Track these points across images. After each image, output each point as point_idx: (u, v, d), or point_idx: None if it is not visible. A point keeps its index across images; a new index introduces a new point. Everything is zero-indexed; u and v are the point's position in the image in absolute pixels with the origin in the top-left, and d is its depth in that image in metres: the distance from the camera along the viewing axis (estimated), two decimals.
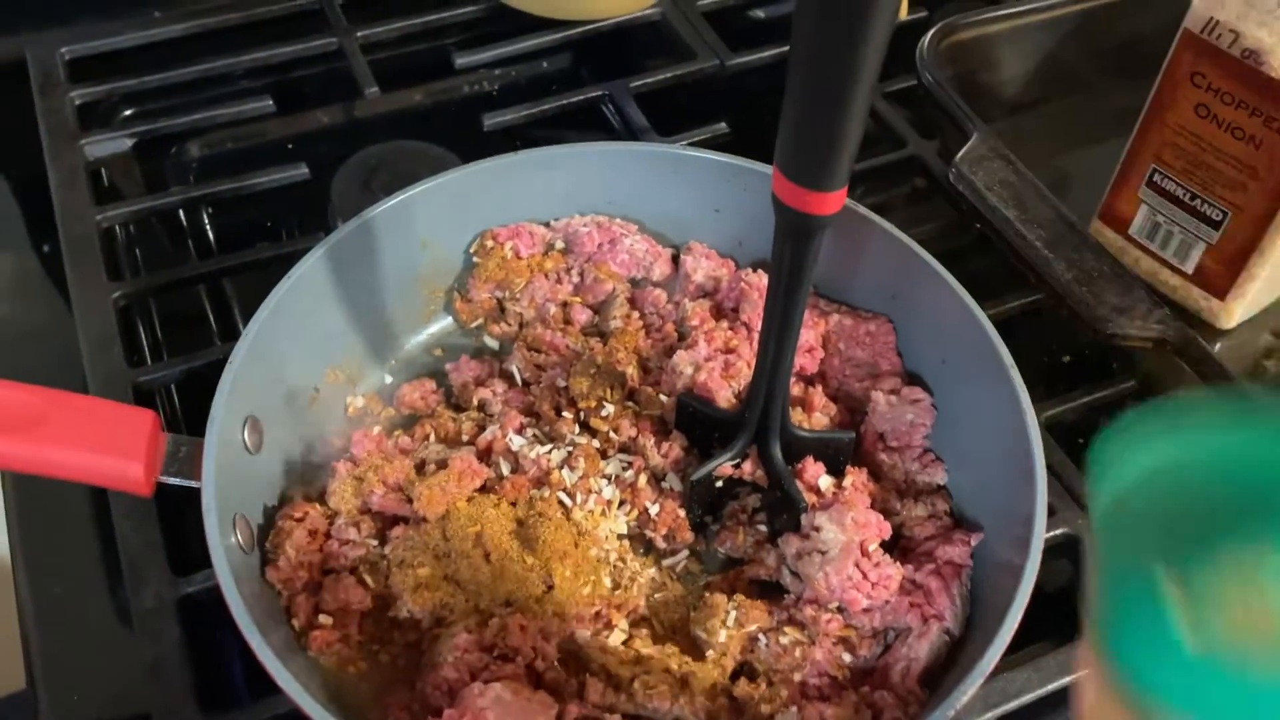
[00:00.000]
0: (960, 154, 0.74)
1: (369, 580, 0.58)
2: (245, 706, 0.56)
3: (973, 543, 0.60)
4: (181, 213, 0.87)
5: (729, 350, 0.66)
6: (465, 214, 0.72)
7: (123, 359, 0.70)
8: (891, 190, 0.92)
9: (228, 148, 0.92)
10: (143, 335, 0.79)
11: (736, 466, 0.62)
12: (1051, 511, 0.65)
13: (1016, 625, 0.53)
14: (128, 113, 0.92)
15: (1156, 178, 0.74)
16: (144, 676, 0.57)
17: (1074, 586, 0.66)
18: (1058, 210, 0.71)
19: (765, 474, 0.61)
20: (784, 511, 0.61)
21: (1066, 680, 0.59)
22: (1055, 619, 0.63)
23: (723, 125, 0.88)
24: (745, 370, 0.65)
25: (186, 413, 0.74)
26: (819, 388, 0.67)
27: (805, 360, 0.68)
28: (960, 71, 0.86)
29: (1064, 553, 0.65)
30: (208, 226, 0.88)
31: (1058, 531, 0.65)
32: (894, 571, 0.57)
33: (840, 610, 0.58)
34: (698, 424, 0.63)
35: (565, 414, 0.64)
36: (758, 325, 0.67)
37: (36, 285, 0.82)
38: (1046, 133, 0.89)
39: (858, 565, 0.57)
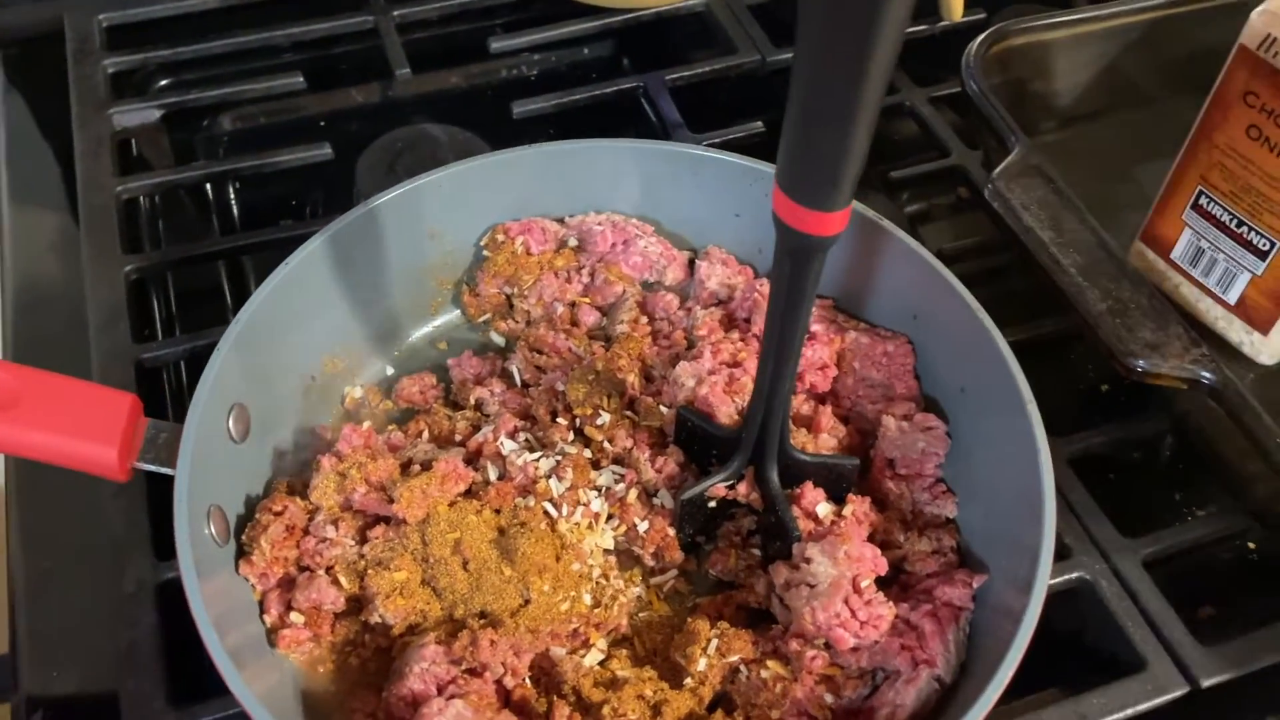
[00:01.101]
0: (999, 168, 0.70)
1: (344, 580, 0.56)
2: (212, 699, 0.55)
3: (975, 585, 0.57)
4: (209, 188, 0.87)
5: (735, 364, 0.63)
6: (477, 206, 0.70)
7: (129, 334, 0.70)
8: (934, 200, 0.88)
9: (260, 123, 0.92)
10: (157, 310, 0.79)
11: (731, 488, 0.59)
12: (1067, 554, 0.62)
13: (1010, 676, 0.50)
14: (161, 83, 0.92)
15: (1203, 200, 0.69)
16: (119, 660, 0.57)
17: (1085, 633, 0.63)
18: (1097, 235, 0.67)
19: (760, 497, 0.59)
20: (778, 538, 0.58)
21: None
22: (1063, 666, 0.60)
23: (759, 124, 0.85)
24: (750, 386, 0.62)
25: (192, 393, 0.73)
26: (829, 407, 0.64)
27: (817, 378, 0.65)
28: (1010, 79, 0.81)
29: (1075, 598, 0.62)
30: (233, 203, 0.88)
31: (1071, 575, 0.61)
32: (886, 611, 0.54)
33: (827, 647, 0.55)
34: (696, 440, 0.61)
35: (560, 420, 0.62)
36: None
37: (65, 254, 0.82)
38: (1099, 149, 0.84)
39: (847, 602, 0.54)
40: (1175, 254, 0.72)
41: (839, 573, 0.54)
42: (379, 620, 0.56)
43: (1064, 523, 0.62)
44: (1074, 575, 0.61)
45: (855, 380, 0.66)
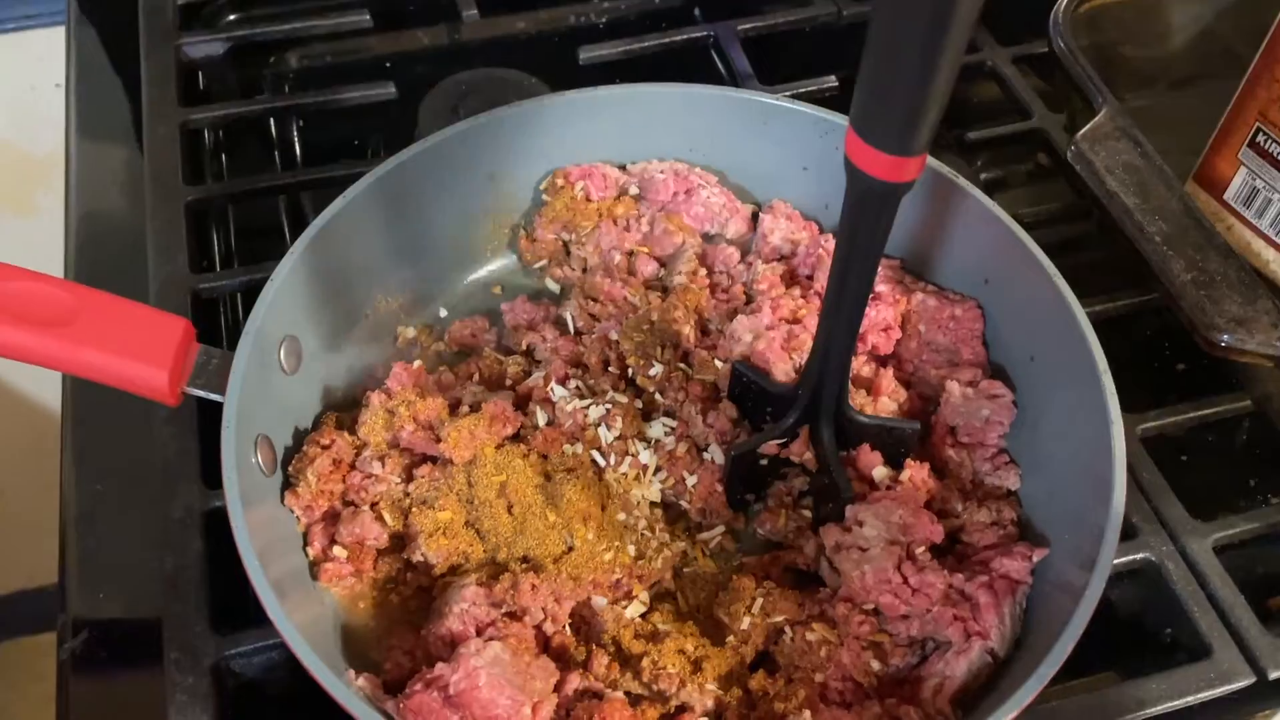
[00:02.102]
0: (1083, 130, 0.67)
1: (388, 517, 0.56)
2: (253, 629, 0.55)
3: (1035, 559, 0.55)
4: (272, 124, 0.87)
5: (795, 320, 0.61)
6: (538, 149, 0.68)
7: (187, 264, 0.70)
8: (1011, 165, 0.85)
9: (326, 61, 0.91)
10: (216, 244, 0.78)
11: (784, 446, 0.57)
12: (1133, 534, 0.59)
13: (1068, 654, 0.48)
14: (230, 17, 0.91)
15: (1260, 139, 0.65)
16: (164, 585, 0.57)
17: (1147, 616, 0.60)
18: (1185, 203, 0.63)
19: (814, 457, 0.57)
20: (830, 500, 0.57)
21: None
22: (1122, 649, 0.58)
23: (831, 79, 0.82)
24: (810, 344, 0.60)
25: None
26: (890, 370, 0.62)
27: (880, 339, 0.63)
28: (1099, 41, 0.78)
29: (1140, 579, 0.59)
30: (296, 140, 0.87)
31: (1136, 556, 0.59)
32: (938, 580, 0.52)
33: (875, 613, 0.53)
34: (750, 396, 0.59)
35: (612, 369, 0.61)
36: None
37: (128, 184, 0.83)
38: (1189, 118, 0.80)
39: (899, 568, 0.52)
40: (1229, 195, 0.68)
41: (891, 537, 0.53)
42: (421, 559, 0.55)
43: (1132, 502, 0.60)
44: (1139, 556, 0.59)
45: (919, 343, 0.64)
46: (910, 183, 0.44)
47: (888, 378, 0.61)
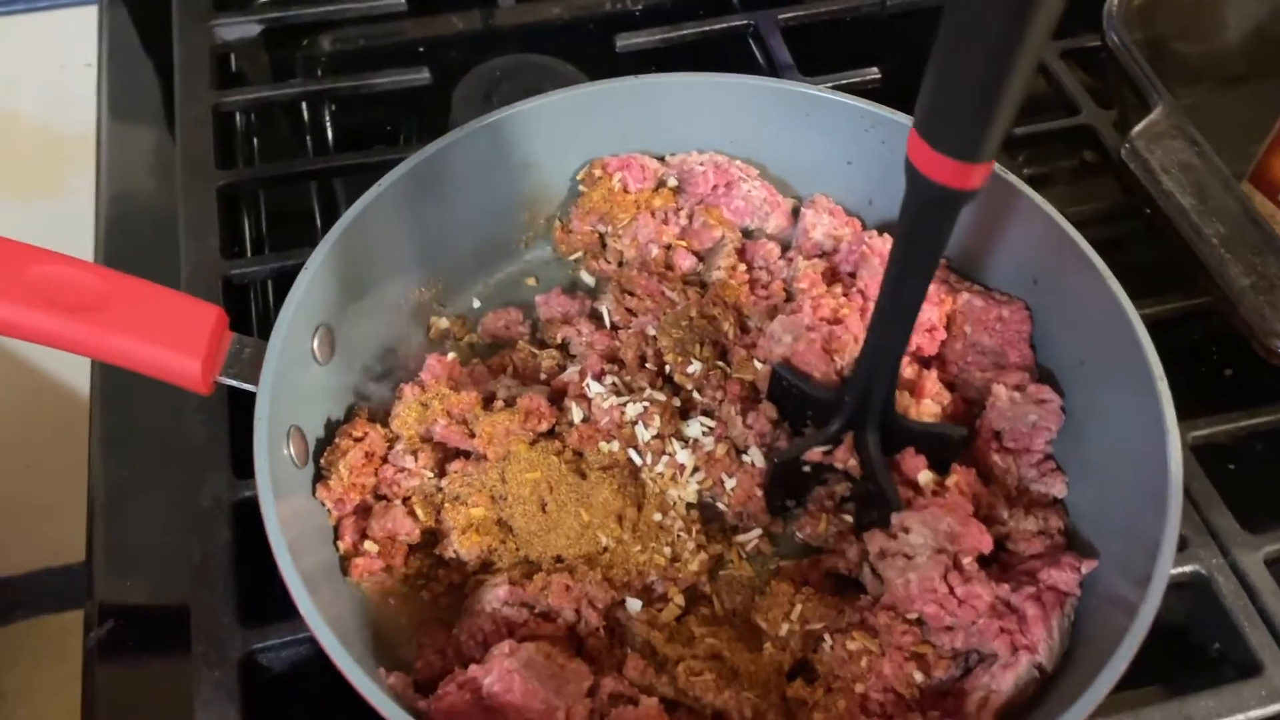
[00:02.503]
0: (1138, 127, 0.65)
1: (420, 512, 0.55)
2: (281, 622, 0.54)
3: (1084, 570, 0.53)
4: (305, 108, 0.86)
5: (836, 321, 0.60)
6: (575, 138, 0.67)
7: (218, 249, 0.69)
8: (1055, 162, 0.83)
9: (359, 45, 0.90)
10: (247, 230, 0.78)
11: (828, 453, 0.56)
12: (1182, 545, 0.57)
13: (1121, 673, 0.47)
14: None
15: None
16: (191, 576, 0.56)
17: (1194, 630, 0.59)
18: (1243, 204, 0.61)
19: (858, 464, 0.56)
20: (875, 507, 0.55)
21: None
22: (1168, 662, 0.56)
23: (874, 71, 0.81)
24: (852, 345, 0.59)
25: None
26: (934, 372, 0.61)
27: (924, 340, 0.62)
28: (1153, 36, 0.75)
29: (1188, 592, 0.57)
30: (328, 125, 0.86)
31: (1186, 568, 0.57)
32: (984, 591, 0.51)
33: (918, 623, 0.52)
34: (791, 398, 0.58)
35: (649, 365, 0.60)
36: (874, 294, 0.61)
37: (159, 168, 0.82)
38: (1242, 116, 0.78)
39: (945, 577, 0.51)
40: None
41: (939, 545, 0.51)
42: (453, 555, 0.54)
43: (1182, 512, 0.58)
44: (1188, 568, 0.57)
45: (965, 345, 0.62)
46: (975, 191, 0.42)
47: (932, 380, 0.60)
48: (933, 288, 0.62)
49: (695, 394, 0.59)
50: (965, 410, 0.61)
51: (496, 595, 0.51)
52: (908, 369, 0.61)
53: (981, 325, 0.61)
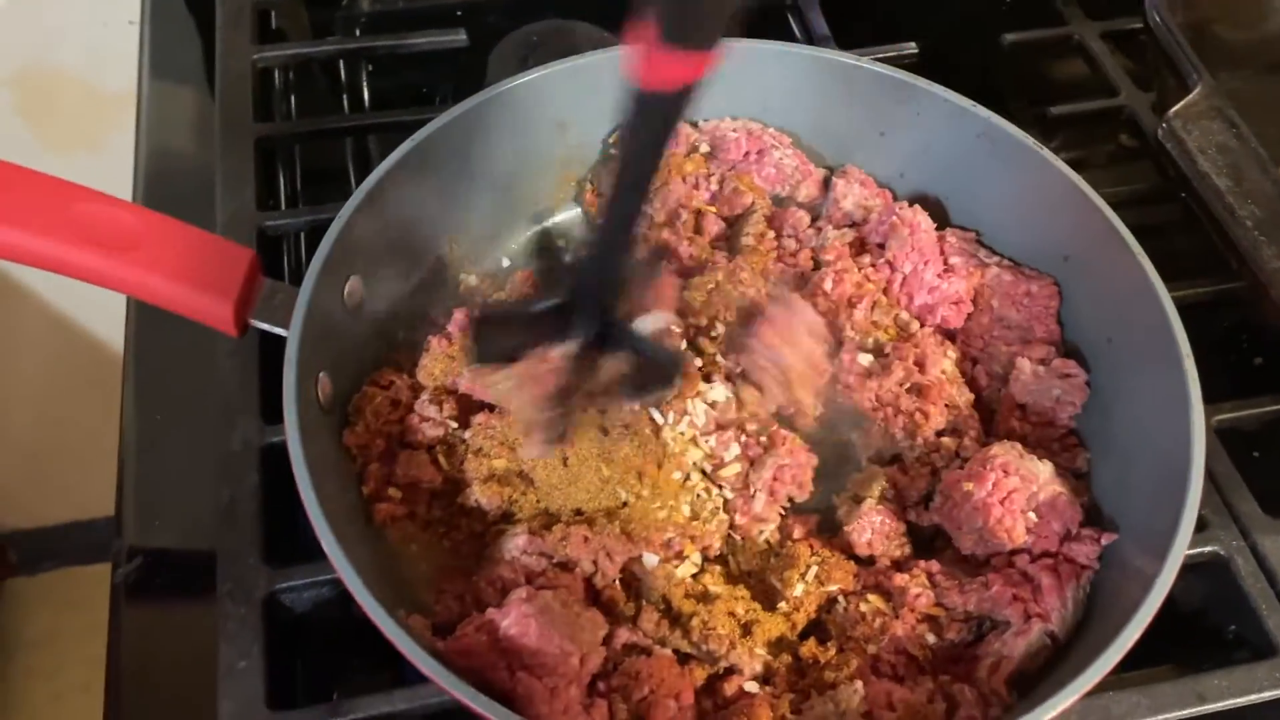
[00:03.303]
0: (1176, 107, 0.64)
1: (443, 461, 0.56)
2: (304, 564, 0.55)
3: (1104, 542, 0.53)
4: (342, 66, 0.86)
5: (852, 304, 0.60)
6: (608, 101, 0.67)
7: (254, 200, 0.70)
8: (1092, 145, 0.83)
9: (398, 6, 0.90)
10: (282, 185, 0.78)
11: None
12: (1202, 525, 0.58)
13: (1134, 640, 0.47)
14: None
15: None
16: (219, 515, 0.57)
17: (1211, 612, 0.58)
18: None
19: (628, 359, 0.54)
20: (653, 378, 0.54)
21: (1182, 714, 0.52)
22: (1182, 643, 0.56)
23: (911, 46, 0.80)
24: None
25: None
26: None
27: (950, 312, 0.62)
28: (1196, 20, 0.75)
29: (1206, 573, 0.57)
30: (364, 84, 0.87)
31: (1204, 549, 0.57)
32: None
33: (932, 586, 0.52)
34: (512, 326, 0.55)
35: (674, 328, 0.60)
36: (902, 264, 0.61)
37: (198, 124, 0.83)
38: None
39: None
40: None
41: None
42: (475, 504, 0.55)
43: (1203, 493, 0.58)
44: (1207, 549, 0.57)
45: (991, 319, 0.62)
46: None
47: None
48: (960, 260, 0.62)
49: (719, 358, 0.59)
50: (988, 384, 0.61)
51: (516, 544, 0.52)
52: (929, 340, 0.61)
53: (1009, 299, 0.61)
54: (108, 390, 0.72)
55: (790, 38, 0.83)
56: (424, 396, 0.57)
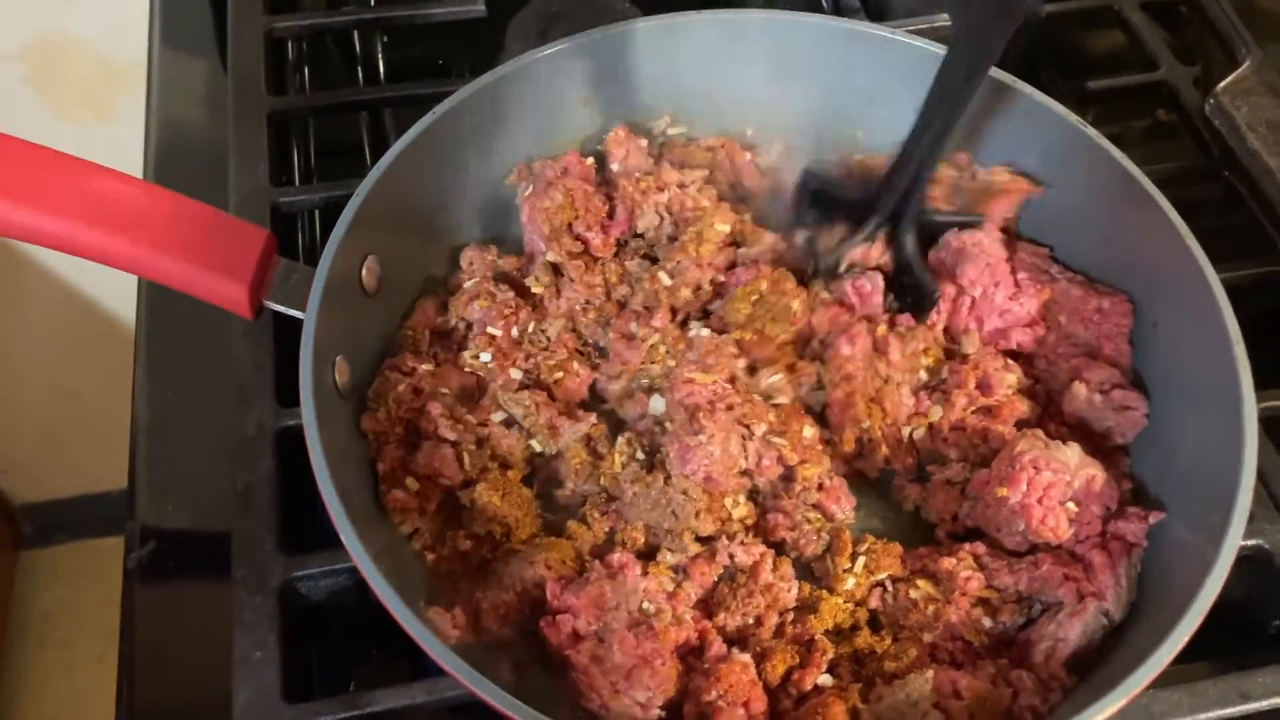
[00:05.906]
0: (1224, 82, 0.62)
1: (467, 461, 0.54)
2: (320, 552, 0.54)
3: (1151, 520, 0.52)
4: (357, 38, 0.84)
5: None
6: (632, 76, 0.65)
7: (267, 176, 0.68)
8: (1127, 121, 0.80)
9: None
10: (296, 160, 0.77)
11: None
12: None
13: (1202, 617, 0.46)
14: None
15: None
16: (234, 499, 0.56)
17: (1254, 606, 0.57)
18: None
19: (893, 260, 0.58)
20: (911, 297, 0.58)
21: (1225, 712, 0.51)
22: (1222, 639, 0.54)
23: (944, 18, 0.77)
24: None
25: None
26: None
27: (1022, 336, 0.59)
28: None
29: (1249, 567, 0.55)
30: (380, 57, 0.85)
31: (1249, 542, 0.55)
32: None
33: (981, 568, 0.51)
34: (820, 203, 0.59)
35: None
36: (973, 289, 0.60)
37: (210, 97, 0.81)
38: None
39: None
40: None
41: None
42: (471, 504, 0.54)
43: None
44: (1251, 542, 0.55)
45: (1057, 336, 0.59)
46: None
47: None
48: (1026, 275, 0.59)
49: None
50: (1048, 400, 0.59)
51: (526, 575, 0.51)
52: (992, 362, 0.58)
53: (1077, 315, 0.58)
54: (121, 363, 0.71)
55: (815, 9, 0.80)
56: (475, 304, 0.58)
